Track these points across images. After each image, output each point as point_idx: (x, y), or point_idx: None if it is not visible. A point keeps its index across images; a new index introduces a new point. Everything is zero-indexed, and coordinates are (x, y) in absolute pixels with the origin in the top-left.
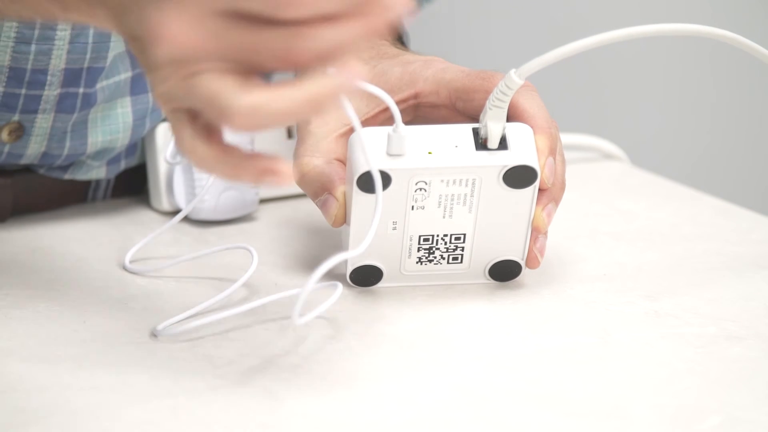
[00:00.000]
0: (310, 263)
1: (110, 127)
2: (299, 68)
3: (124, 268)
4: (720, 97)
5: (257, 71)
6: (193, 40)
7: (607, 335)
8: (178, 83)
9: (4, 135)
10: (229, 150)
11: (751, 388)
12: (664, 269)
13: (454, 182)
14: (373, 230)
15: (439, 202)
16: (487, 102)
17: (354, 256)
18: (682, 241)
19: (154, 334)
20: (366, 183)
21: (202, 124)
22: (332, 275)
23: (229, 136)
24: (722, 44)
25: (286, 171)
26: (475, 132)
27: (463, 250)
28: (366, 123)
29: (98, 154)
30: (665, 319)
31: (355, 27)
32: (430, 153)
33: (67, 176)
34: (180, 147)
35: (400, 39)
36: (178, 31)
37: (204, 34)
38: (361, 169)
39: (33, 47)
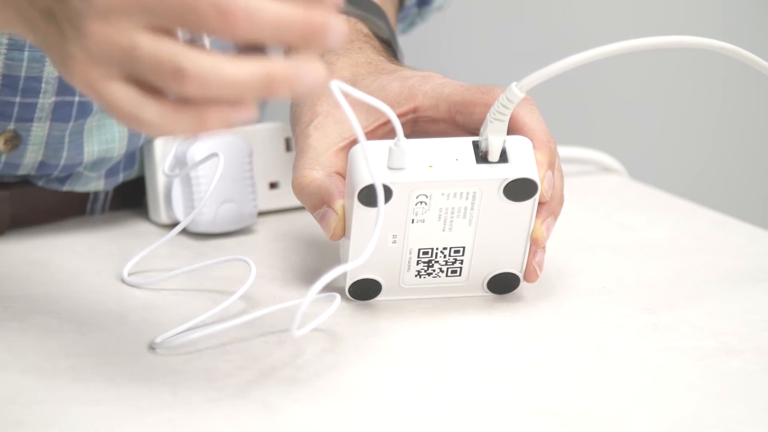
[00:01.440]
0: (308, 276)
1: (106, 136)
2: (239, 38)
3: (123, 281)
4: (719, 109)
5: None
6: None
7: (606, 348)
8: (114, 45)
9: (0, 144)
10: (184, 101)
11: (750, 401)
12: (662, 282)
13: (455, 195)
14: (373, 243)
15: (440, 215)
16: (488, 115)
17: (353, 268)
18: (680, 254)
19: (152, 347)
20: (367, 196)
21: (142, 87)
22: (331, 288)
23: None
24: (721, 56)
25: (248, 106)
26: (476, 145)
27: (462, 263)
28: (365, 137)
29: (95, 165)
30: (663, 332)
31: (297, 14)
32: (430, 166)
33: (66, 188)
34: (120, 114)
35: (394, 55)
36: None
37: None
38: (363, 183)
39: (26, 54)
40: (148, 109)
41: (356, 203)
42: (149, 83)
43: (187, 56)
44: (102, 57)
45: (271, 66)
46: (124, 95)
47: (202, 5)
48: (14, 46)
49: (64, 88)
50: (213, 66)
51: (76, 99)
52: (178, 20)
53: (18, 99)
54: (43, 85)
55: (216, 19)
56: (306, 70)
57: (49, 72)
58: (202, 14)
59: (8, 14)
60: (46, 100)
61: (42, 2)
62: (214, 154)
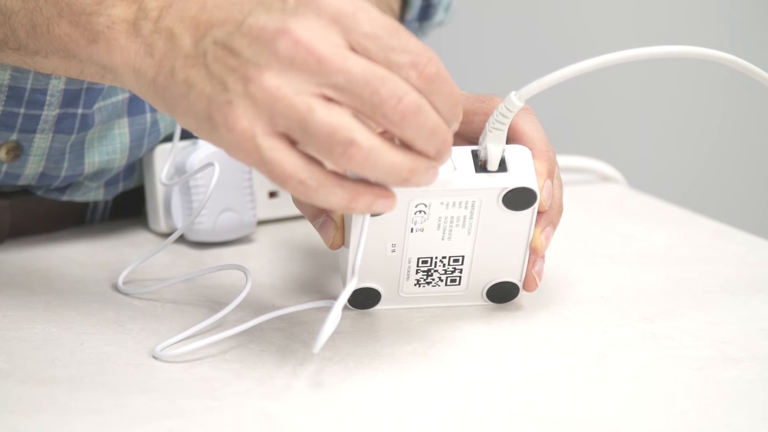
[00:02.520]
0: (307, 285)
1: (107, 147)
2: (394, 123)
3: (117, 290)
4: (718, 119)
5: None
6: (319, 45)
7: (605, 357)
8: (288, 104)
9: (2, 154)
10: (341, 174)
11: (748, 410)
12: (661, 291)
13: (454, 204)
14: (361, 249)
15: (439, 224)
16: (487, 124)
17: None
18: (679, 263)
19: (151, 356)
20: None
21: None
22: (329, 296)
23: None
24: (721, 66)
25: (394, 196)
26: (475, 154)
27: (461, 272)
28: None
29: (96, 175)
30: (662, 341)
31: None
32: None
33: (65, 198)
34: (278, 172)
35: None
36: (305, 32)
37: (330, 47)
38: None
39: None
40: (313, 174)
41: (359, 223)
42: (308, 148)
43: (360, 131)
44: (269, 111)
45: (416, 163)
46: (287, 156)
47: (390, 94)
48: None
49: (67, 100)
50: (379, 146)
51: (79, 111)
52: (356, 97)
53: (22, 110)
54: (48, 97)
55: (393, 108)
56: (432, 174)
57: (55, 85)
58: (384, 99)
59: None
60: (51, 113)
61: (201, 47)
62: (210, 164)
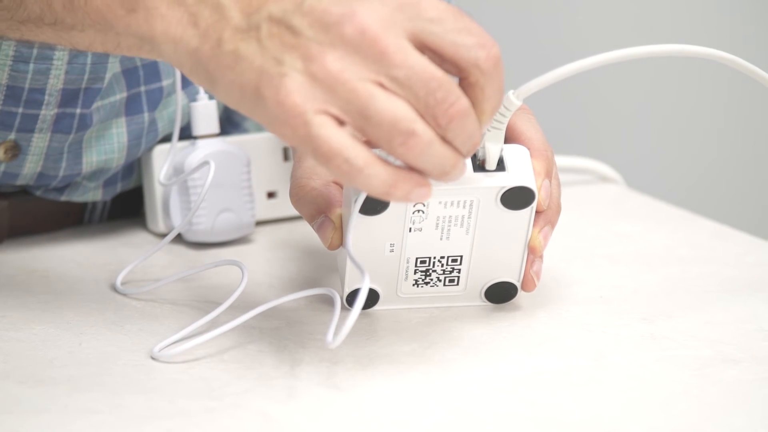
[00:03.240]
0: (305, 285)
1: (105, 147)
2: (441, 124)
3: (115, 290)
4: (716, 119)
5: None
6: (384, 37)
7: (603, 358)
8: (350, 88)
9: (0, 154)
10: (384, 159)
11: (747, 411)
12: (660, 292)
13: (452, 204)
14: (348, 244)
15: (437, 224)
16: None
17: (350, 278)
18: (678, 263)
19: (149, 356)
20: (366, 206)
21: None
22: (326, 296)
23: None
24: (720, 66)
25: (430, 186)
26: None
27: (459, 272)
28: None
29: (94, 175)
30: (661, 341)
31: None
32: None
33: (64, 198)
34: (326, 150)
35: None
36: (372, 20)
37: (395, 39)
38: (363, 193)
39: (31, 66)
40: (359, 153)
41: (355, 212)
42: (365, 133)
43: (420, 123)
44: (328, 92)
45: (458, 158)
46: (337, 133)
47: (444, 98)
48: (20, 58)
49: (66, 99)
50: (435, 140)
51: (78, 111)
52: (413, 94)
53: (20, 110)
54: (46, 97)
55: (445, 111)
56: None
57: (53, 85)
58: (438, 101)
59: (182, 17)
60: (49, 112)
61: (254, 21)
62: (206, 163)
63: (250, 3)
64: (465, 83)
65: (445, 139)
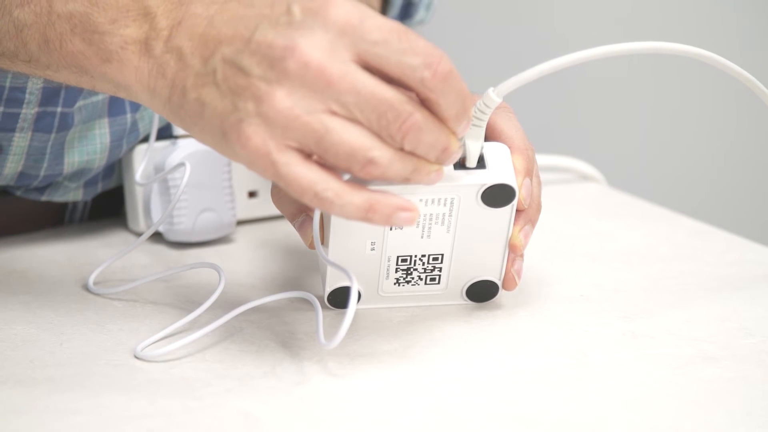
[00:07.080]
0: (286, 284)
1: (87, 147)
2: (397, 140)
3: (87, 289)
4: (697, 118)
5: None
6: (328, 66)
7: (584, 356)
8: (302, 123)
9: None
10: (357, 184)
11: (728, 408)
12: (640, 290)
13: (433, 202)
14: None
15: (418, 221)
16: None
17: (332, 277)
18: (658, 262)
19: (131, 356)
20: None
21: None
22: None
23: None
24: (700, 64)
25: (416, 210)
26: None
27: (440, 271)
28: None
29: (75, 176)
30: (642, 340)
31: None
32: None
33: (44, 198)
34: (296, 186)
35: None
36: (313, 51)
37: (339, 66)
38: None
39: None
40: (329, 185)
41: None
42: (326, 162)
43: (378, 149)
44: (282, 130)
45: (419, 164)
46: (304, 170)
47: (395, 117)
48: None
49: (47, 98)
50: (395, 158)
51: (59, 110)
52: (364, 117)
53: (1, 109)
54: (27, 95)
55: (398, 129)
56: (436, 174)
57: (34, 83)
58: (390, 121)
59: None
60: (30, 111)
61: (211, 65)
62: (182, 164)
63: (206, 46)
64: (420, 98)
65: (407, 151)
